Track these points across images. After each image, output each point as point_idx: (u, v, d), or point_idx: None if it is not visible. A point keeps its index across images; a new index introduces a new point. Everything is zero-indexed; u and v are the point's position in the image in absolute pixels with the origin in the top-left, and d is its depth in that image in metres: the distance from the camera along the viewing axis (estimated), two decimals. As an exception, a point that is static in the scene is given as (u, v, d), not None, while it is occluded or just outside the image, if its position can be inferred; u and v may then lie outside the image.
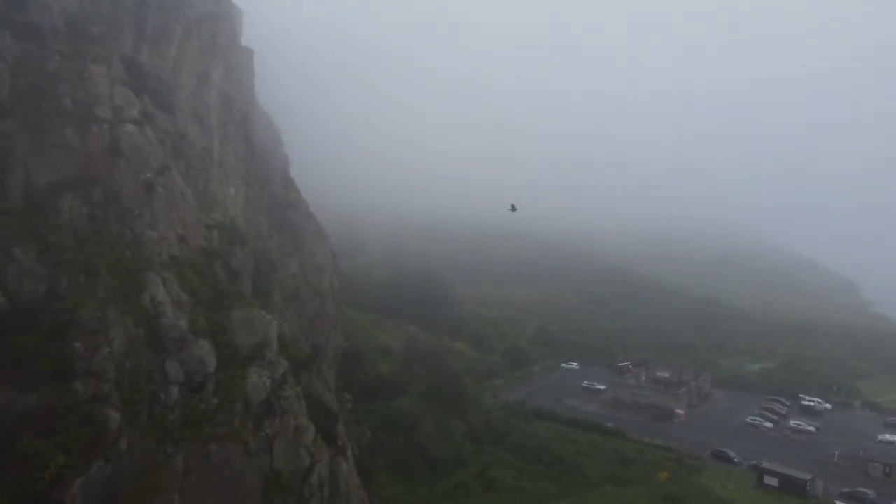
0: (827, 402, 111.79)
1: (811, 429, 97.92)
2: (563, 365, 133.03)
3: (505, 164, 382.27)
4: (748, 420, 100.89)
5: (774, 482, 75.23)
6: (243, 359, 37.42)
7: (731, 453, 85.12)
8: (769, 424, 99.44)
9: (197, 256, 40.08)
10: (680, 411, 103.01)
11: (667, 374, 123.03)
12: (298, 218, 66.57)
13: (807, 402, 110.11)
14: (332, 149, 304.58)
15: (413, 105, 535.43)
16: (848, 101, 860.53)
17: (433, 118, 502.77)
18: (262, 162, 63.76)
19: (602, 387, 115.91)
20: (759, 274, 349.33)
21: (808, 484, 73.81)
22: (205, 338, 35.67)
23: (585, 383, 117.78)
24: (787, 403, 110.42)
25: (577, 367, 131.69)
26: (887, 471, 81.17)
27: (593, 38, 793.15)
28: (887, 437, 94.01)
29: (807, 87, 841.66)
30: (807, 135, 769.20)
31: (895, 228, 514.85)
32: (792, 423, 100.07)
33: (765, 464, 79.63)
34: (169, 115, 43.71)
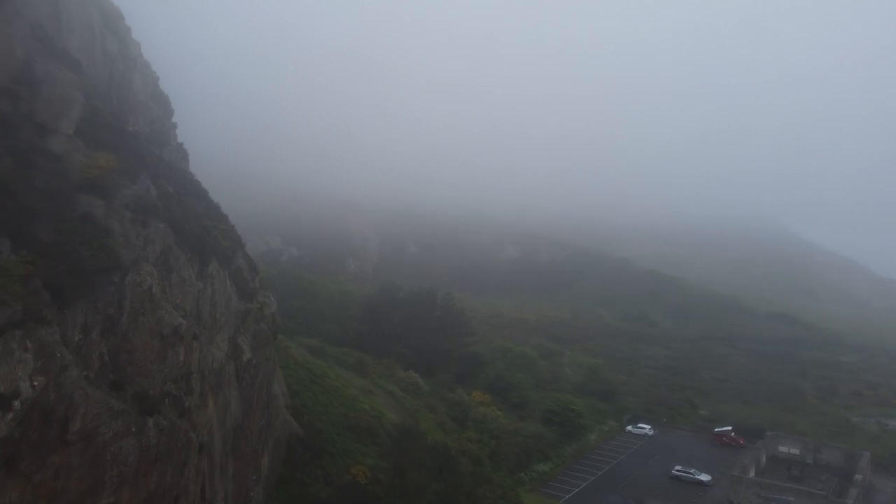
0: None
1: None
2: (630, 428, 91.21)
3: (513, 157, 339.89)
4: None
5: None
6: None
7: None
8: None
9: None
10: (858, 538, 61.32)
11: (796, 451, 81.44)
12: (112, 221, 24.25)
13: None
14: (323, 131, 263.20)
15: (419, 87, 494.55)
16: (874, 98, 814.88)
17: (441, 101, 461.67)
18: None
19: (704, 477, 74.02)
20: (790, 276, 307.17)
21: None
22: None
23: (677, 470, 75.75)
24: None
25: (651, 433, 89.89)
26: None
27: (612, 39, 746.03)
28: None
29: (827, 82, 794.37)
30: (834, 129, 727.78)
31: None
32: None
33: None
34: None
